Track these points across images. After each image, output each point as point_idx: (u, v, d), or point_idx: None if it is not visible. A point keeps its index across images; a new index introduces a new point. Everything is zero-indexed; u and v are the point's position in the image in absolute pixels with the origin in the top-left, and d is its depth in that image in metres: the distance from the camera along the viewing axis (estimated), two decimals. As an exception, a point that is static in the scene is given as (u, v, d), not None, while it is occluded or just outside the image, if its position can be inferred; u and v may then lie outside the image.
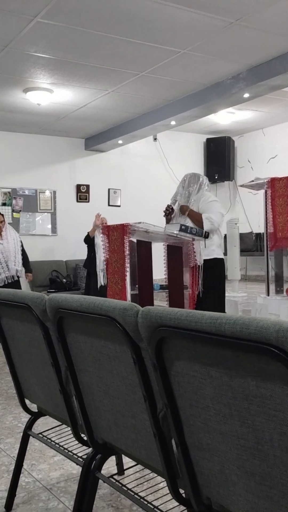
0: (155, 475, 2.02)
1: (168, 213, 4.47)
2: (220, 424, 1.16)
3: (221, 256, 4.50)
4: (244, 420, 1.09)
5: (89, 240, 6.76)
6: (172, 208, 4.48)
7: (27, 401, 2.24)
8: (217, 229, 4.38)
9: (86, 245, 6.97)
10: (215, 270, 4.38)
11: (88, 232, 6.87)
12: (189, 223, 4.29)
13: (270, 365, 0.98)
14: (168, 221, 4.49)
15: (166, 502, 1.81)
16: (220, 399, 1.13)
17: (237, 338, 0.99)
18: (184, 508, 1.52)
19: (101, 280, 4.57)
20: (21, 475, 2.44)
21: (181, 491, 1.45)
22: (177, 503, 1.47)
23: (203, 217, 4.29)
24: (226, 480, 1.22)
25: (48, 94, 6.03)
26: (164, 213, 4.51)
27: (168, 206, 4.49)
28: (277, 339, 0.91)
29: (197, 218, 4.32)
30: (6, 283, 5.73)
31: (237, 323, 0.99)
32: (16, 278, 5.85)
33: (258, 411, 1.05)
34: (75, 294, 1.80)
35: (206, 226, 4.26)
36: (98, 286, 4.75)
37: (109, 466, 2.56)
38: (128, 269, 3.91)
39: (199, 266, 4.10)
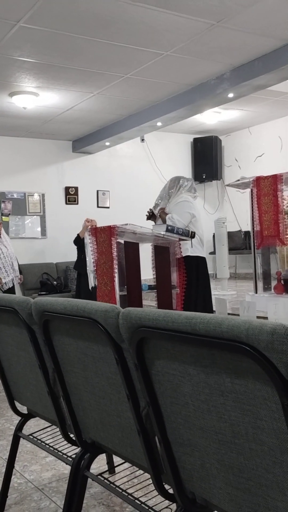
0: (144, 472, 2.07)
1: (148, 217, 4.69)
2: (199, 419, 1.21)
3: (196, 254, 4.55)
4: (221, 415, 1.13)
5: (79, 242, 6.79)
6: (152, 212, 4.70)
7: (17, 403, 2.27)
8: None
9: (76, 247, 7.00)
10: (191, 267, 4.49)
11: (78, 234, 6.89)
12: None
13: (243, 362, 1.03)
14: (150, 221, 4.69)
15: (154, 497, 1.85)
16: (198, 396, 1.18)
17: (211, 336, 1.04)
18: (172, 503, 1.56)
19: (91, 281, 4.60)
20: (13, 476, 2.48)
21: (167, 487, 1.49)
22: (164, 499, 1.51)
23: (166, 218, 4.48)
24: (207, 474, 1.27)
25: (34, 97, 6.06)
26: (146, 217, 4.74)
27: (149, 210, 4.72)
28: (247, 337, 0.96)
29: (163, 218, 4.54)
30: (9, 286, 5.82)
31: (210, 322, 1.03)
32: (14, 282, 5.97)
33: (233, 406, 1.09)
34: (61, 297, 1.84)
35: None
36: (90, 288, 4.78)
37: (100, 465, 2.60)
38: (116, 271, 3.95)
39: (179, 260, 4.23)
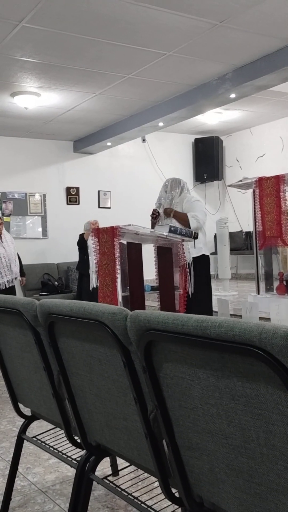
0: (149, 475, 2.05)
1: (155, 216, 4.67)
2: (209, 423, 1.19)
3: (207, 253, 4.76)
4: (231, 419, 1.12)
5: (83, 243, 6.77)
6: (158, 212, 4.69)
7: (20, 405, 2.26)
8: (202, 227, 4.58)
9: (77, 248, 6.99)
10: (202, 266, 4.62)
11: (81, 235, 6.88)
12: (175, 223, 4.44)
13: (255, 366, 1.01)
14: (153, 224, 4.68)
15: (160, 501, 1.84)
16: (207, 399, 1.16)
17: (222, 340, 1.02)
18: (178, 507, 1.55)
19: (93, 282, 4.59)
20: (16, 478, 2.46)
21: (174, 490, 1.48)
22: (170, 503, 1.50)
23: (188, 216, 4.50)
24: (215, 478, 1.25)
25: (35, 97, 6.05)
26: (151, 217, 4.70)
27: (154, 210, 4.70)
28: (260, 340, 0.94)
29: (182, 217, 4.53)
30: (6, 287, 5.74)
31: (222, 326, 1.02)
32: (14, 282, 5.88)
33: (244, 411, 1.08)
34: (66, 298, 1.83)
35: (193, 224, 4.45)
36: (91, 288, 4.77)
37: (104, 468, 2.59)
38: (118, 271, 3.93)
39: (188, 264, 4.23)
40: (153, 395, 1.32)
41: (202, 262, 4.59)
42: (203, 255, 4.65)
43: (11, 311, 1.84)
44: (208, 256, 4.76)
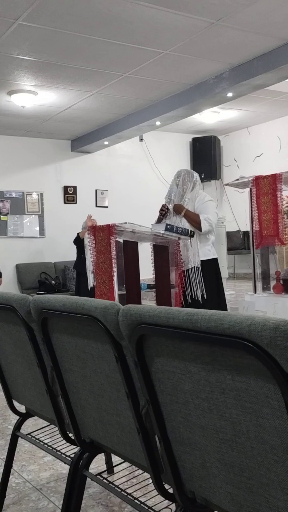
0: (143, 472, 2.05)
1: (164, 213, 4.36)
2: (200, 418, 1.19)
3: (216, 255, 4.50)
4: (222, 413, 1.12)
5: (80, 242, 6.76)
6: (168, 208, 4.37)
7: (15, 403, 2.25)
8: (213, 231, 4.36)
9: (75, 247, 6.98)
10: (213, 270, 4.38)
11: (78, 233, 6.87)
12: (184, 223, 4.23)
13: (244, 359, 1.01)
14: (160, 220, 4.40)
15: (153, 497, 1.83)
16: (198, 393, 1.16)
17: (212, 333, 1.02)
18: (172, 503, 1.55)
19: (90, 282, 4.58)
20: (11, 476, 2.46)
21: (167, 486, 1.47)
22: (164, 499, 1.50)
23: (201, 218, 4.23)
24: (207, 473, 1.25)
25: (33, 96, 6.04)
26: (160, 213, 4.39)
27: (164, 205, 4.39)
28: (250, 333, 0.94)
29: (194, 219, 4.25)
30: None
31: (212, 319, 1.02)
32: None
33: (235, 404, 1.07)
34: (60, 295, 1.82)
35: (205, 228, 4.22)
36: (89, 288, 4.76)
37: (99, 465, 2.58)
38: (115, 270, 3.93)
39: (196, 267, 4.13)
40: (145, 389, 1.31)
41: (210, 266, 4.33)
42: (211, 259, 4.38)
43: (5, 307, 1.84)
44: (216, 259, 4.46)
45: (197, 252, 4.21)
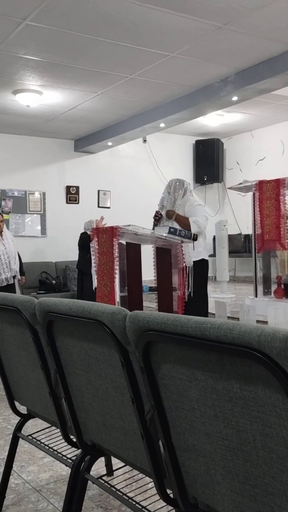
0: (144, 475, 2.05)
1: (158, 218, 4.70)
2: (205, 425, 1.19)
3: (207, 257, 4.81)
4: (228, 421, 1.12)
5: (88, 241, 6.71)
6: (161, 214, 4.72)
7: (16, 403, 2.26)
8: (203, 232, 4.62)
9: (77, 246, 6.96)
10: (202, 270, 4.67)
11: (82, 233, 6.85)
12: (176, 227, 4.45)
13: (253, 368, 1.02)
14: (155, 226, 4.69)
15: (154, 502, 1.84)
16: (205, 401, 1.17)
17: (221, 342, 1.02)
18: (172, 508, 1.55)
19: (95, 282, 4.58)
20: (10, 477, 2.46)
21: (169, 491, 1.48)
22: (165, 503, 1.50)
23: (190, 221, 4.54)
24: (211, 480, 1.25)
25: (38, 96, 6.04)
26: (154, 219, 4.73)
27: (157, 212, 4.73)
28: (259, 343, 0.94)
29: (184, 221, 4.56)
30: (4, 284, 5.74)
31: (221, 328, 1.02)
32: (13, 280, 5.87)
33: (242, 413, 1.08)
34: (64, 297, 1.82)
35: (194, 229, 4.48)
36: (94, 288, 4.76)
37: (98, 468, 2.58)
38: (117, 271, 3.93)
39: (188, 267, 4.23)
40: (150, 395, 1.32)
41: (200, 266, 4.61)
42: (202, 259, 4.68)
43: (10, 308, 1.84)
44: (207, 260, 4.80)
45: (188, 253, 4.37)
